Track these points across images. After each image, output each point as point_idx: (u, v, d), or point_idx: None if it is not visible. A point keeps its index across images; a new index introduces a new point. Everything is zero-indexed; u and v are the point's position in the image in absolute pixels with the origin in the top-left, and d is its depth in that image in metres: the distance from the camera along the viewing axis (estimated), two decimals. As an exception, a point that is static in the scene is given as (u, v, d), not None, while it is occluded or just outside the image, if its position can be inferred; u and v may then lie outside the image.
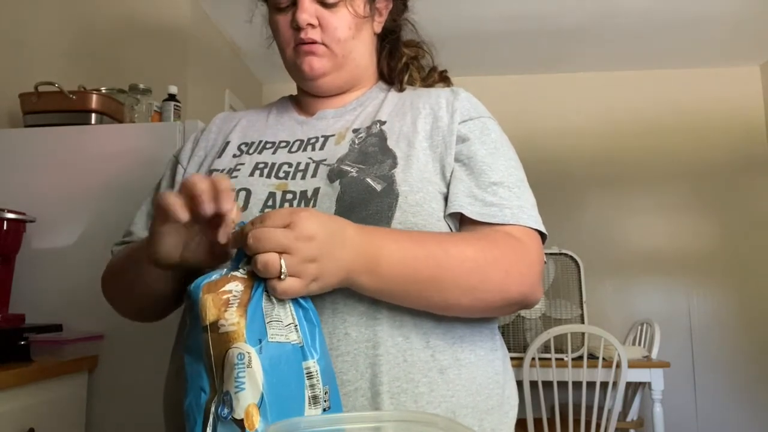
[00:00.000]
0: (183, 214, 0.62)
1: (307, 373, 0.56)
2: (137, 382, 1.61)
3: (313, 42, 0.85)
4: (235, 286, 0.58)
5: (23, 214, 1.66)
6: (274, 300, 0.59)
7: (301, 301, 0.60)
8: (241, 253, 0.61)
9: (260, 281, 0.59)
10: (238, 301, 0.57)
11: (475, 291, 0.70)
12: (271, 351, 0.55)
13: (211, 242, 0.67)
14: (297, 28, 0.84)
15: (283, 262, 0.57)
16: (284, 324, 0.58)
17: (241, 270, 0.60)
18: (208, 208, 0.62)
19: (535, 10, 2.88)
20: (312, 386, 0.56)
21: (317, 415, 0.55)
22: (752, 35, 3.15)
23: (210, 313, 0.56)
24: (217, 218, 0.64)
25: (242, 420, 0.52)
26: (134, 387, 1.62)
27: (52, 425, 1.47)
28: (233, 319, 0.56)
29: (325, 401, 0.57)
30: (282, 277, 0.57)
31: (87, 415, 1.63)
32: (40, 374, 1.43)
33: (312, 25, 0.84)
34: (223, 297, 0.57)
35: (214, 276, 0.59)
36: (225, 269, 0.61)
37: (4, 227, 1.61)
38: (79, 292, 1.66)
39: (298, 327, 0.58)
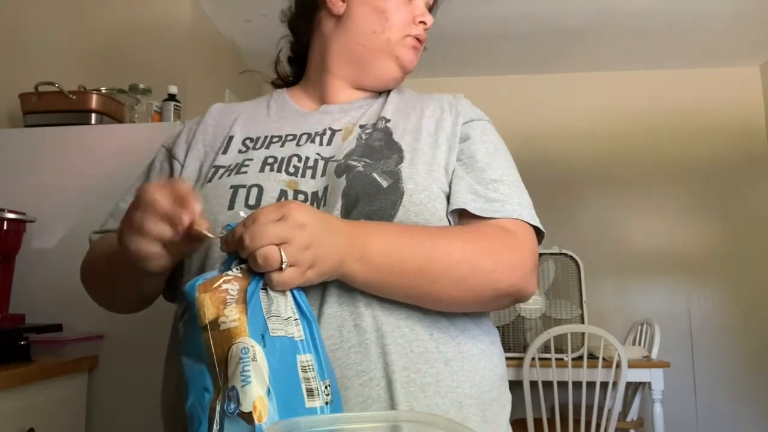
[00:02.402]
0: (175, 235, 0.64)
1: (302, 367, 0.56)
2: (137, 382, 1.61)
3: (423, 40, 0.92)
4: (231, 285, 0.58)
5: (23, 214, 1.66)
6: (271, 295, 0.59)
7: (297, 296, 0.61)
8: (231, 256, 0.62)
9: (256, 277, 0.59)
10: (235, 299, 0.57)
11: (465, 281, 0.70)
12: (274, 345, 0.55)
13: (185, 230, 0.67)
14: (421, 23, 0.90)
15: (282, 252, 0.58)
16: (283, 318, 0.58)
17: (234, 269, 0.60)
18: (183, 227, 0.63)
19: (534, 11, 2.88)
20: (308, 379, 0.56)
21: (318, 407, 0.55)
22: (752, 35, 3.15)
23: (209, 312, 0.56)
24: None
25: (250, 413, 0.52)
26: (134, 387, 1.62)
27: (52, 425, 1.47)
28: (234, 316, 0.56)
29: (327, 395, 0.57)
30: (283, 266, 0.58)
31: (87, 415, 1.63)
32: (40, 374, 1.43)
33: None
34: (220, 295, 0.57)
35: (208, 276, 0.60)
36: (216, 271, 0.61)
37: (4, 227, 1.61)
38: (79, 292, 1.63)
39: (298, 321, 0.59)
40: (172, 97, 1.95)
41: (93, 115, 1.87)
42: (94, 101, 1.88)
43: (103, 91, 1.95)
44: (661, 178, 3.47)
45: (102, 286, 0.86)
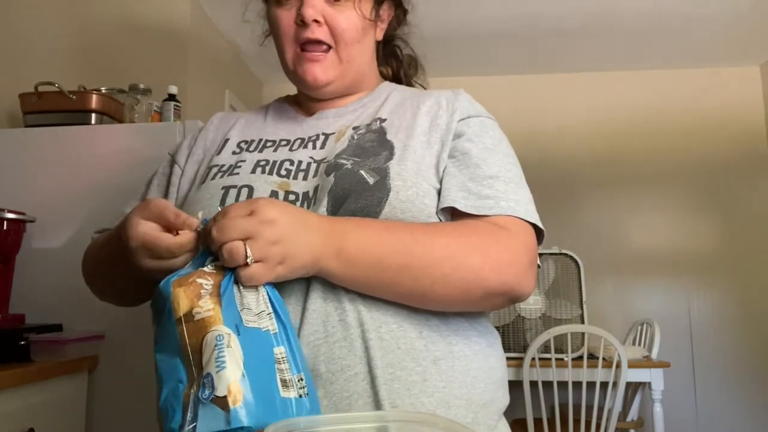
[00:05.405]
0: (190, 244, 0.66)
1: (276, 359, 0.57)
2: (137, 382, 1.61)
3: (319, 42, 0.81)
4: (205, 280, 0.59)
5: (23, 214, 1.66)
6: (242, 290, 0.60)
7: (269, 294, 0.61)
8: (205, 252, 0.63)
9: (229, 272, 0.60)
10: (209, 292, 0.58)
11: (448, 279, 0.68)
12: (248, 335, 0.56)
13: None
14: (302, 23, 0.80)
15: (247, 247, 0.59)
16: (255, 312, 0.59)
17: (208, 266, 0.61)
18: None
19: (534, 11, 2.88)
20: (282, 371, 0.57)
21: (293, 398, 0.56)
22: (752, 35, 3.15)
23: (183, 305, 0.57)
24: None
25: (224, 397, 0.52)
26: (134, 387, 1.62)
27: (52, 425, 1.47)
28: (208, 306, 0.57)
29: (301, 388, 0.57)
30: (248, 262, 0.59)
31: (87, 415, 1.63)
32: (40, 374, 1.43)
33: (318, 22, 0.80)
34: (195, 289, 0.58)
35: (182, 273, 0.61)
36: (191, 267, 0.62)
37: (4, 227, 1.61)
38: (79, 292, 1.64)
39: (271, 315, 0.59)
40: (172, 97, 1.95)
41: (93, 115, 1.88)
42: (94, 101, 1.88)
43: (103, 91, 1.96)
44: (661, 178, 3.47)
45: (101, 277, 0.87)
